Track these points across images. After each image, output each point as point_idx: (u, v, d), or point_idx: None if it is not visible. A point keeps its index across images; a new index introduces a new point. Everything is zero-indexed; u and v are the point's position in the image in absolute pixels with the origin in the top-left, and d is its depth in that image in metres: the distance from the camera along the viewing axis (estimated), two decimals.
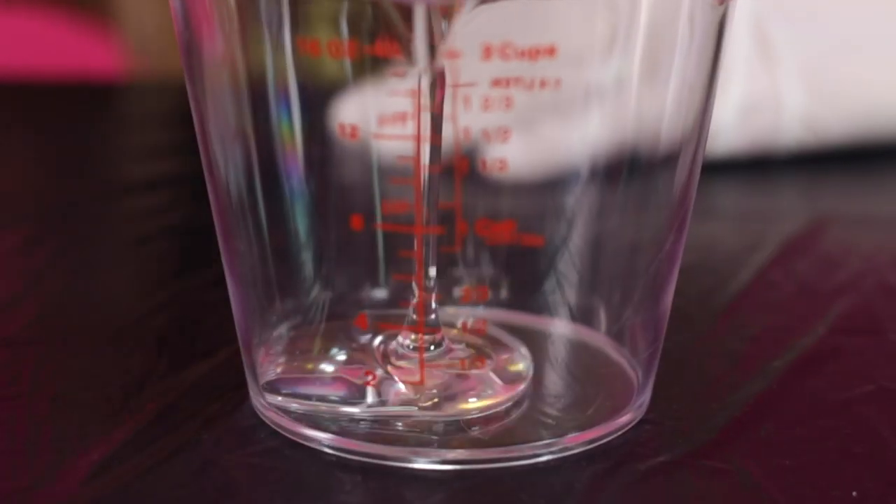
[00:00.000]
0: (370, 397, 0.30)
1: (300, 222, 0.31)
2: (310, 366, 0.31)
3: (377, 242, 0.32)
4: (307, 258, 0.32)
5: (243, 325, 0.31)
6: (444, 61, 0.28)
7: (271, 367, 0.31)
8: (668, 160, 0.30)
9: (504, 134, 0.28)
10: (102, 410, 0.31)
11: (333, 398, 0.30)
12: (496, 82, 0.28)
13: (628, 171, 0.31)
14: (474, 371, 0.30)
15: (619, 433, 0.30)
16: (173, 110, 0.66)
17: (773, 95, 0.52)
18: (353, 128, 0.29)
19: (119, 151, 0.60)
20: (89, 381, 0.33)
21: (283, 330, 0.31)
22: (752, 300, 0.39)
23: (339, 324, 0.31)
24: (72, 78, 0.72)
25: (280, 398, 0.30)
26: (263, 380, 0.31)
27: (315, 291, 0.32)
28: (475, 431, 0.29)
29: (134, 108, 0.70)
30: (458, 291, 0.31)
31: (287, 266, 0.32)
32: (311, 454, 0.29)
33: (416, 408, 0.29)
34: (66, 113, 0.65)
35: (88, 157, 0.58)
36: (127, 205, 0.50)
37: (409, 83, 0.28)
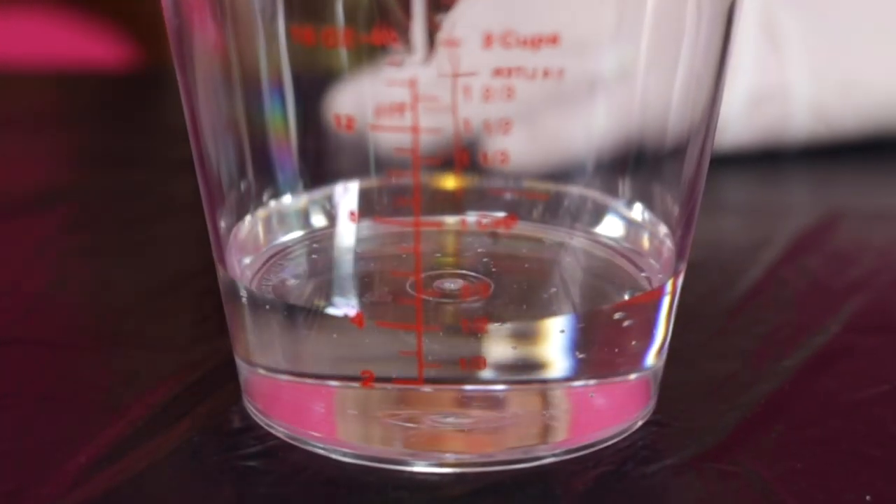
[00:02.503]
0: (367, 398, 0.29)
1: (294, 217, 0.31)
2: (305, 365, 0.30)
3: (375, 237, 0.31)
4: (301, 254, 0.32)
5: (236, 323, 0.30)
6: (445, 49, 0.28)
7: (266, 365, 0.30)
8: (676, 153, 0.30)
9: (506, 125, 0.28)
10: (91, 412, 0.31)
11: (329, 399, 0.29)
12: (497, 72, 0.28)
13: (634, 164, 0.30)
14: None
15: (625, 435, 0.30)
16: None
17: (782, 86, 0.52)
18: (349, 119, 0.28)
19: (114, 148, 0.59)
20: (77, 381, 0.33)
21: (277, 328, 0.30)
22: (763, 298, 0.39)
23: (336, 321, 0.30)
24: (78, 69, 0.72)
25: (273, 397, 0.30)
26: (257, 379, 0.30)
27: (310, 289, 0.31)
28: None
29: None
30: (457, 288, 0.31)
31: (281, 263, 0.31)
32: (306, 456, 0.29)
33: (415, 410, 0.29)
34: (61, 108, 0.64)
35: (84, 152, 0.57)
36: (115, 202, 0.49)
37: (407, 73, 0.28)
